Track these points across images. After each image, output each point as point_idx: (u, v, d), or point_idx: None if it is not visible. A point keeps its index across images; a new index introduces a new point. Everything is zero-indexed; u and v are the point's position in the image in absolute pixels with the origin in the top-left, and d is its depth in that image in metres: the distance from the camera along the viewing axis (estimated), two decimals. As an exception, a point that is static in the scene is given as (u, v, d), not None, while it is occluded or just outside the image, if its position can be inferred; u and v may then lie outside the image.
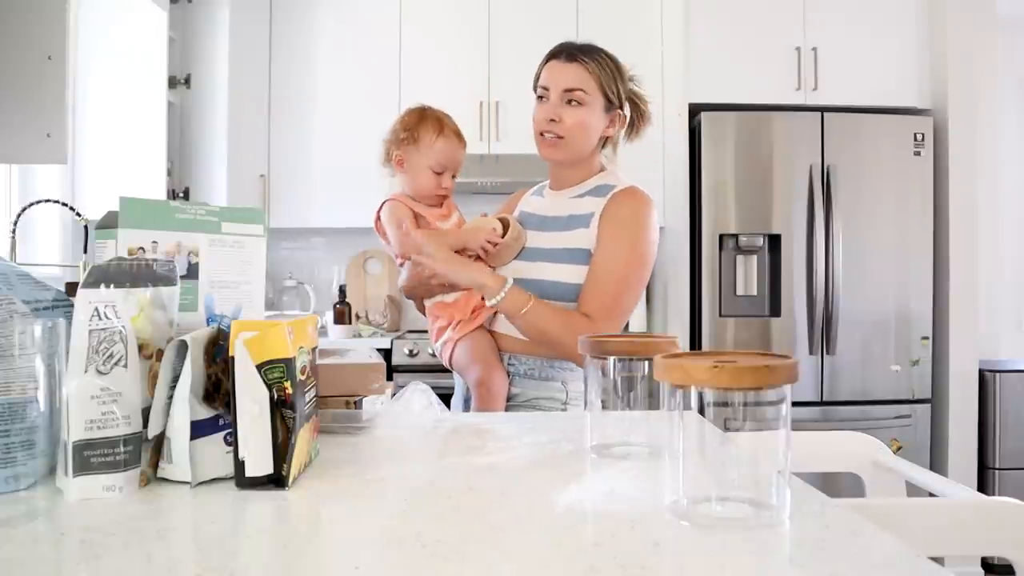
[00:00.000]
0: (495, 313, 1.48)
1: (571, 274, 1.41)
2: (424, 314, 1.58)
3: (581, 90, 1.41)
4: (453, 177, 1.55)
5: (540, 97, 1.46)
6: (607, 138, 1.49)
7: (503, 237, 1.45)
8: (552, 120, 1.42)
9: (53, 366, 0.69)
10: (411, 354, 3.06)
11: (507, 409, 1.43)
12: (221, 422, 0.76)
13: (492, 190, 3.13)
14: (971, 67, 3.11)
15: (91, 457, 0.69)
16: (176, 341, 0.75)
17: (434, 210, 1.55)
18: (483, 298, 1.40)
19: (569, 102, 1.41)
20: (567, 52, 1.44)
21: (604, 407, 0.91)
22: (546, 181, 1.57)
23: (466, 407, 1.48)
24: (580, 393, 1.39)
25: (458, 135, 1.55)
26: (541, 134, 1.45)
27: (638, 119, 1.51)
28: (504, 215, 1.53)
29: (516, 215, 1.57)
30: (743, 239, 3.04)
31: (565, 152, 1.45)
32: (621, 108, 1.47)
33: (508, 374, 1.45)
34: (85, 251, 2.25)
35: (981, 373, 3.06)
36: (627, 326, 1.50)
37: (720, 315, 3.05)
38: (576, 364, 1.40)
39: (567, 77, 1.42)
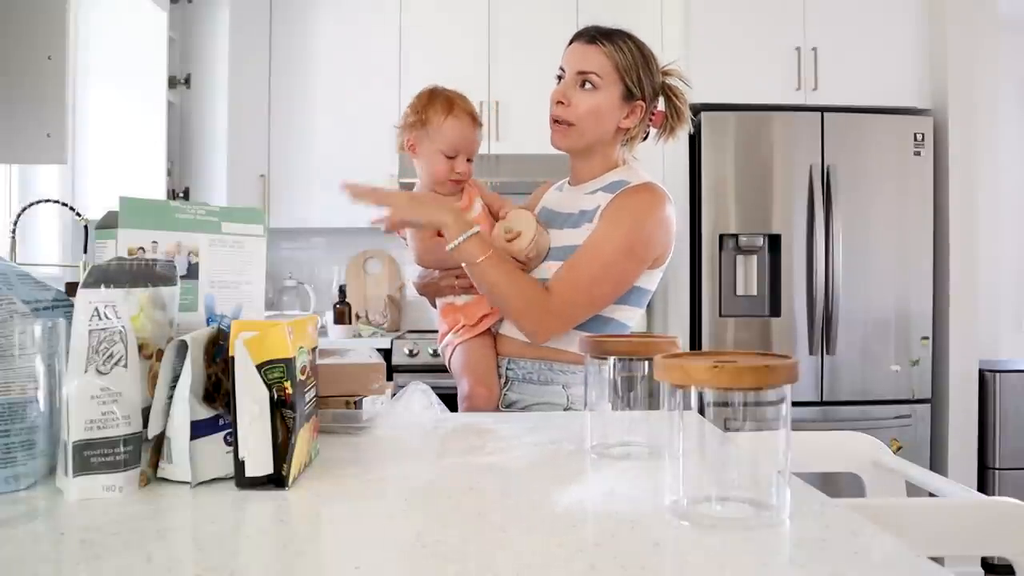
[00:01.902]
0: (502, 319, 1.44)
1: None
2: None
3: (595, 74, 1.33)
4: (469, 161, 1.48)
5: (558, 79, 1.38)
6: (628, 131, 1.39)
7: (515, 244, 1.37)
8: (560, 102, 1.35)
9: (53, 366, 0.69)
10: (411, 354, 3.06)
11: None
12: (221, 422, 0.76)
13: (492, 190, 3.13)
14: (971, 67, 3.10)
15: (91, 457, 0.69)
16: (176, 341, 0.75)
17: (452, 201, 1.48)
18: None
19: (583, 85, 1.34)
20: (588, 34, 1.36)
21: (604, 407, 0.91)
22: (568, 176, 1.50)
23: None
24: (582, 397, 1.36)
25: (471, 115, 1.47)
26: (554, 120, 1.37)
27: (673, 117, 1.42)
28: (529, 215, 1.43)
29: (538, 210, 1.51)
30: (743, 239, 3.04)
31: (573, 140, 1.37)
32: (644, 99, 1.37)
33: (507, 380, 1.42)
34: (85, 251, 2.25)
35: (981, 373, 3.06)
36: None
37: (720, 315, 3.05)
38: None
39: (583, 59, 1.34)
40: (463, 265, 1.29)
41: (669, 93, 1.41)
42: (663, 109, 1.41)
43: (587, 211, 1.37)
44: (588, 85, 1.34)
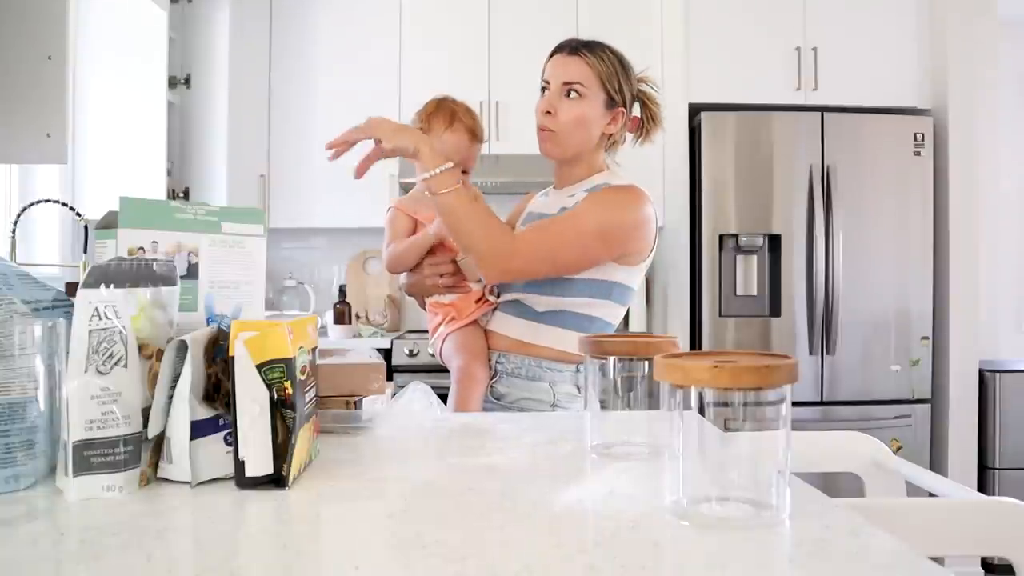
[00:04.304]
0: (494, 309, 1.50)
1: None
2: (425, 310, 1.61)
3: (580, 83, 1.39)
4: (466, 173, 1.52)
5: (543, 91, 1.45)
6: (611, 136, 1.47)
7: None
8: (548, 112, 1.41)
9: (53, 366, 0.69)
10: (411, 354, 3.06)
11: (494, 410, 1.43)
12: (221, 422, 0.76)
13: (492, 190, 3.13)
14: (971, 67, 3.11)
15: (91, 457, 0.69)
16: (176, 341, 0.75)
17: None
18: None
19: (568, 95, 1.40)
20: (570, 46, 1.43)
21: (604, 407, 0.91)
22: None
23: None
24: (567, 395, 1.41)
25: (471, 132, 1.53)
26: (540, 129, 1.44)
27: (648, 121, 1.49)
28: None
29: (523, 216, 1.57)
30: (743, 239, 3.04)
31: (560, 147, 1.43)
32: (625, 106, 1.44)
33: (496, 372, 1.46)
34: (85, 251, 2.26)
35: (981, 373, 3.06)
36: (627, 326, 1.50)
37: (720, 315, 3.05)
38: (562, 360, 1.40)
39: (567, 70, 1.41)
40: (434, 199, 1.30)
41: (644, 99, 1.48)
42: (637, 115, 1.48)
43: (568, 208, 1.42)
44: (573, 95, 1.40)
